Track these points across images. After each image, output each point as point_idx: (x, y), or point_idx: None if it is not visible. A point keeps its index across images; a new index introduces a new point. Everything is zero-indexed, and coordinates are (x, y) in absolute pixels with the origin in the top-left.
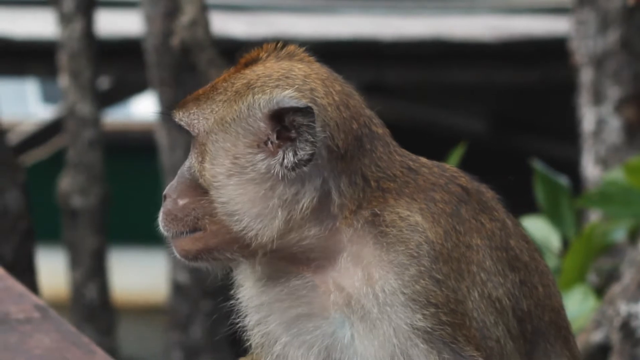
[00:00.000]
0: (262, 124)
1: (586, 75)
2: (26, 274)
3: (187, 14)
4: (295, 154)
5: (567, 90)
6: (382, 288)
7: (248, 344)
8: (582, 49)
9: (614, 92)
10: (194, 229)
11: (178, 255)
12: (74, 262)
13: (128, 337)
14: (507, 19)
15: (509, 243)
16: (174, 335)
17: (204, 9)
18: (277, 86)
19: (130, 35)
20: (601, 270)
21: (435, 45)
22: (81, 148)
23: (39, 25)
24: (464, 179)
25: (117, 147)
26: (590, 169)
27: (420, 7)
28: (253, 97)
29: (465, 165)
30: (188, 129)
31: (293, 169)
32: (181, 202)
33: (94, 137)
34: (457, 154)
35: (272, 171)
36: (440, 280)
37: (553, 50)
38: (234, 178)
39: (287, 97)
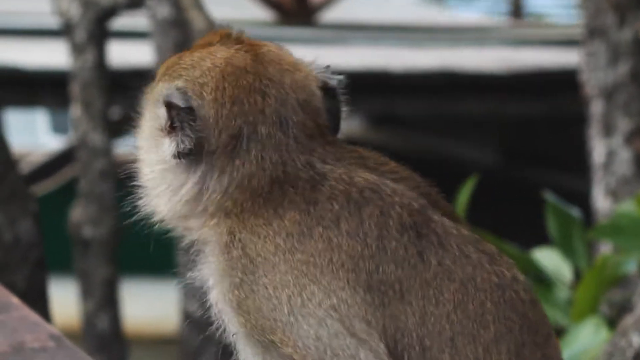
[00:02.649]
0: (161, 111)
1: (596, 107)
2: (39, 304)
3: None
4: (177, 145)
5: (577, 122)
6: (214, 294)
7: None
8: (593, 81)
9: (624, 124)
10: None
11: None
12: (86, 292)
13: None
14: (518, 51)
15: (379, 268)
16: None
17: None
18: (176, 77)
19: (142, 66)
20: (613, 302)
21: (446, 77)
22: (92, 178)
23: (50, 55)
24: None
25: (128, 178)
26: (601, 201)
27: (431, 39)
28: (161, 83)
29: (476, 197)
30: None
31: (176, 157)
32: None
33: (105, 168)
34: (468, 187)
35: (163, 156)
36: (253, 289)
37: (563, 83)
38: (146, 155)
39: (175, 91)
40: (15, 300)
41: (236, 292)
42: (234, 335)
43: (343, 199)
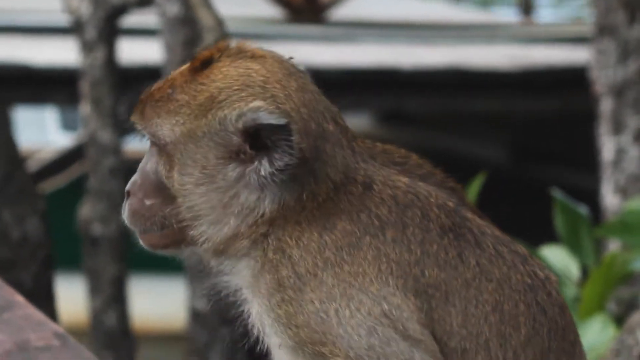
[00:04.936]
0: (234, 137)
1: (606, 105)
2: (45, 302)
3: (207, 43)
4: (271, 164)
5: (586, 119)
6: (256, 307)
7: None
8: (602, 79)
9: (633, 122)
10: (162, 227)
11: (146, 247)
12: (94, 289)
13: None
14: (527, 49)
15: (424, 272)
16: None
17: (224, 37)
18: (242, 99)
19: (151, 63)
20: (621, 300)
21: (455, 74)
22: (102, 176)
23: (60, 53)
24: (431, 197)
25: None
26: (610, 198)
27: (440, 37)
28: (223, 112)
29: (485, 194)
30: (152, 139)
31: (271, 176)
32: (148, 202)
33: (115, 165)
34: (476, 184)
35: (243, 180)
36: (302, 305)
37: (573, 80)
38: (202, 187)
39: (262, 112)
40: (20, 298)
41: (285, 307)
42: (280, 347)
43: (390, 204)
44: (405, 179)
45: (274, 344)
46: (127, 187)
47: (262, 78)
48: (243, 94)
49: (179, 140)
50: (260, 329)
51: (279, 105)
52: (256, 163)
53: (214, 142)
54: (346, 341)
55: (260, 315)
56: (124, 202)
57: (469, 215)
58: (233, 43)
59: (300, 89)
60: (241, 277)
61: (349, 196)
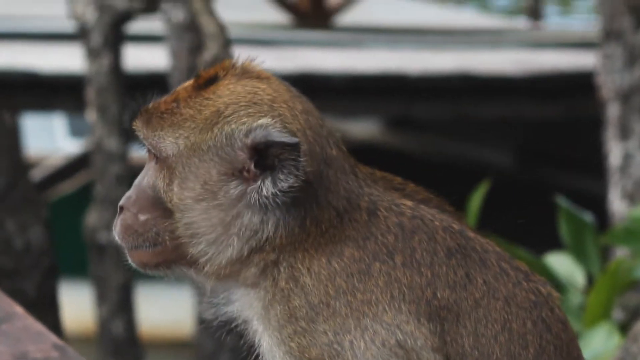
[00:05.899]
0: (240, 153)
1: (613, 110)
2: (49, 311)
3: (210, 50)
4: (274, 184)
5: (593, 124)
6: (267, 339)
7: None
8: (609, 84)
9: None
10: (155, 244)
11: (135, 265)
12: (101, 297)
13: None
14: (534, 54)
15: (436, 294)
16: None
17: (227, 44)
18: (249, 115)
19: (157, 70)
20: (626, 307)
21: (462, 79)
22: (108, 183)
23: (66, 59)
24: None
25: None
26: (617, 204)
27: (447, 42)
28: (230, 127)
29: (491, 199)
30: (153, 151)
31: (273, 198)
32: (142, 217)
33: (121, 172)
34: (482, 190)
35: (245, 199)
36: (315, 337)
37: (580, 85)
38: (203, 203)
39: (272, 129)
40: (19, 309)
41: (297, 340)
42: None
43: (397, 231)
44: (409, 203)
45: None
46: (121, 202)
47: (269, 97)
48: (251, 110)
49: (181, 154)
50: None
51: (287, 124)
52: (259, 182)
53: (218, 157)
54: None
55: (271, 348)
56: (116, 217)
57: (472, 235)
58: (238, 63)
59: (305, 112)
60: (252, 309)
61: (354, 224)
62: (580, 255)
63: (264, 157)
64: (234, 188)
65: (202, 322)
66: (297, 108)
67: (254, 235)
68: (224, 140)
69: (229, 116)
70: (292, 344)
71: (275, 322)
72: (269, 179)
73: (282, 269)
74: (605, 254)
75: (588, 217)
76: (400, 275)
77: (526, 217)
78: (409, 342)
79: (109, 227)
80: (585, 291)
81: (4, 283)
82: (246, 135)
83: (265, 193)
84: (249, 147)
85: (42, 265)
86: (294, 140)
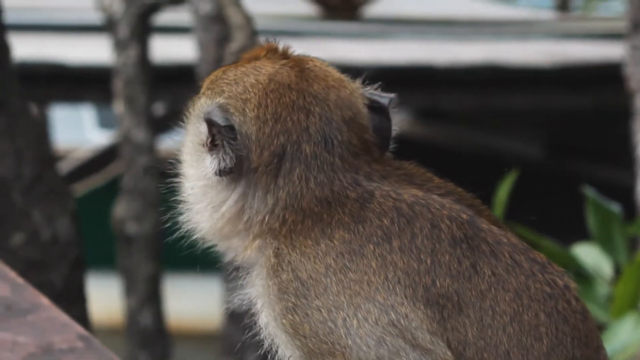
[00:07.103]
0: (202, 127)
1: None
2: (77, 302)
3: (237, 41)
4: (218, 163)
5: (621, 115)
6: (264, 318)
7: None
8: (637, 75)
9: None
10: None
11: None
12: (129, 289)
13: None
14: (562, 45)
15: (435, 282)
16: None
17: (254, 35)
18: (219, 92)
19: (185, 62)
20: None
21: (490, 70)
22: (136, 174)
23: (94, 51)
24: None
25: (172, 174)
26: None
27: (475, 33)
28: (203, 99)
29: (520, 191)
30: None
31: (217, 175)
32: None
33: (149, 164)
34: (509, 181)
35: (205, 172)
36: (308, 313)
37: (608, 76)
38: (188, 170)
39: (215, 108)
40: (44, 300)
41: (290, 316)
42: (290, 358)
43: (393, 215)
44: (415, 192)
45: (284, 356)
46: None
47: (254, 82)
48: (225, 88)
49: (188, 119)
50: (273, 342)
51: (245, 109)
52: (210, 157)
53: (196, 126)
54: (355, 352)
55: (268, 324)
56: None
57: (484, 226)
58: (280, 45)
59: (292, 107)
60: (254, 288)
61: (344, 209)
62: (607, 245)
63: (214, 135)
64: (203, 160)
65: (228, 308)
66: (280, 99)
67: (219, 210)
68: (198, 111)
69: (209, 89)
70: (284, 321)
71: (268, 298)
72: (216, 156)
73: (271, 248)
74: (632, 244)
75: (615, 207)
76: (396, 259)
77: (554, 208)
78: (402, 321)
79: (137, 218)
80: (612, 282)
81: (31, 275)
82: (202, 110)
83: (210, 169)
84: (206, 123)
85: (69, 256)
86: (228, 122)
